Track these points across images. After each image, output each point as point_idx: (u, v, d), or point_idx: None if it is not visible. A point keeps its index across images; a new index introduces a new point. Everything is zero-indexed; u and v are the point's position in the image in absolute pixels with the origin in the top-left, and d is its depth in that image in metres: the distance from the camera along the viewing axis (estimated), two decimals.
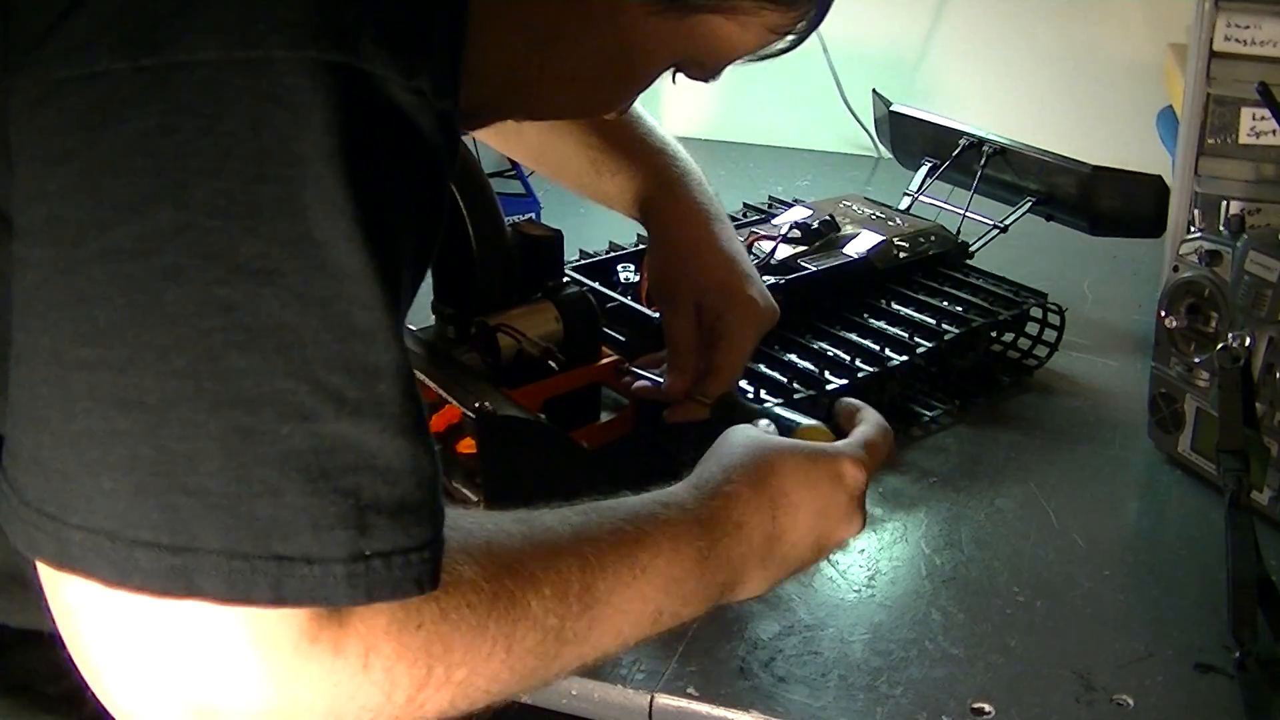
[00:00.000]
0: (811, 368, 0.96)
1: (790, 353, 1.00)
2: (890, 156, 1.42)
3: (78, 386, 0.47)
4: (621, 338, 0.98)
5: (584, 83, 0.70)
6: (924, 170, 1.29)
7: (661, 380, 0.90)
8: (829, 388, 0.94)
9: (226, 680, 0.47)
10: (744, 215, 1.23)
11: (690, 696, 0.73)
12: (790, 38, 0.70)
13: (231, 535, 0.46)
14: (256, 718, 0.48)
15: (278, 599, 0.47)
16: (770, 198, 1.29)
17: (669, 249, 0.95)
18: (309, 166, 0.47)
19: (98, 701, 0.50)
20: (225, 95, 0.47)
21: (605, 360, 0.94)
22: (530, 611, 0.55)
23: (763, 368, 0.97)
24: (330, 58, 0.48)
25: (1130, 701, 0.73)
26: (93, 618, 0.48)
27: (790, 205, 1.21)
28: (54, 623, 0.49)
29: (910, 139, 1.35)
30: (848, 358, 0.98)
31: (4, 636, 0.61)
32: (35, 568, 0.49)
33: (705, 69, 0.71)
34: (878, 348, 1.00)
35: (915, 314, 1.06)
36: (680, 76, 0.73)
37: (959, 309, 1.07)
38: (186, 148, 0.47)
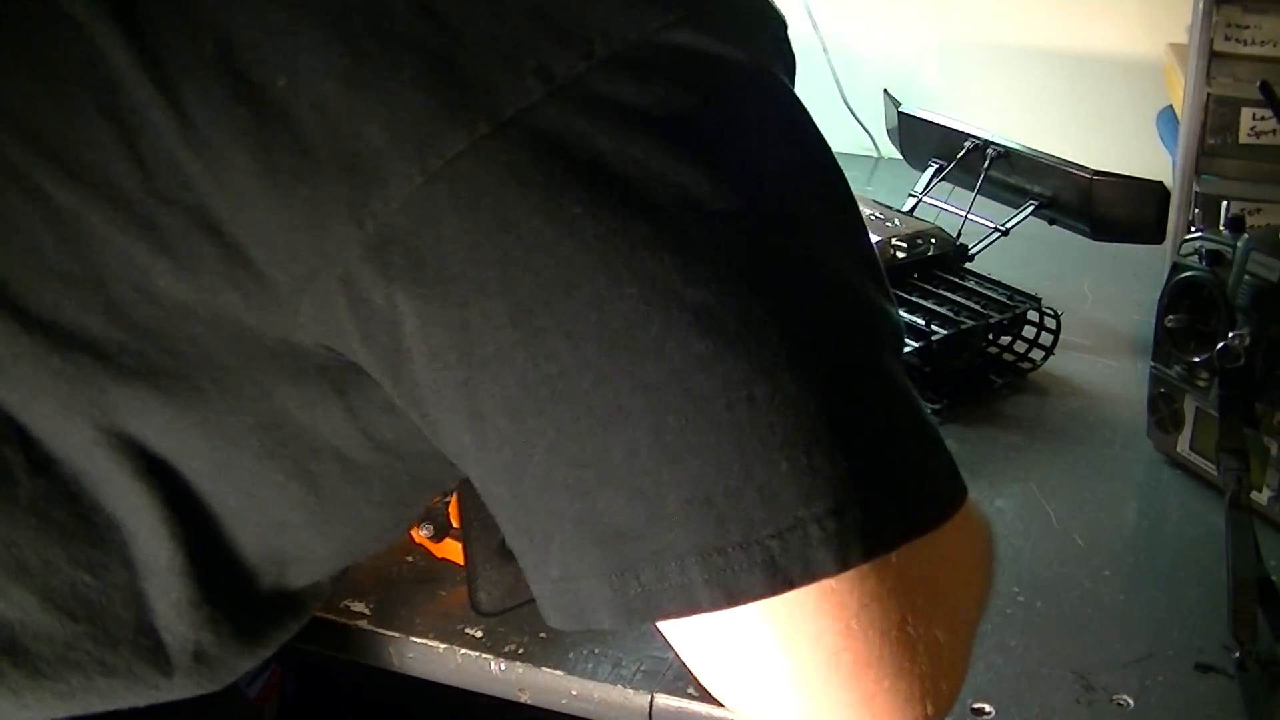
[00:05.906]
0: None
1: None
2: (890, 157, 1.41)
3: (617, 453, 0.47)
4: None
5: None
6: (929, 171, 1.29)
7: None
8: None
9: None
10: None
11: (690, 696, 0.73)
12: None
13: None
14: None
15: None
16: None
17: None
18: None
19: None
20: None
21: None
22: None
23: None
24: (775, 70, 0.54)
25: (1130, 701, 0.73)
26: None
27: None
28: None
29: (918, 140, 1.35)
30: None
31: None
32: None
33: None
34: None
35: (906, 315, 1.06)
36: None
37: (950, 311, 1.07)
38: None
